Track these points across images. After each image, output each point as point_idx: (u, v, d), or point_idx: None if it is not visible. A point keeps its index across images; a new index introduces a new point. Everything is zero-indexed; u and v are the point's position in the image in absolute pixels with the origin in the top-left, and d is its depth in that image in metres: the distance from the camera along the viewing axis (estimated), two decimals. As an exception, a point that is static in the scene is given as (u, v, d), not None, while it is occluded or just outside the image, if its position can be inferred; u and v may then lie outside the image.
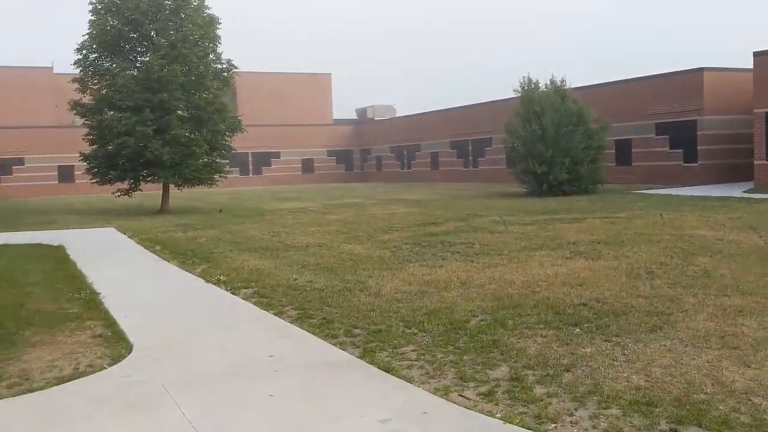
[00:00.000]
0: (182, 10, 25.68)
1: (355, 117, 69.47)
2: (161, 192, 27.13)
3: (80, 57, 25.24)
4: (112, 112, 24.68)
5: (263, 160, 59.14)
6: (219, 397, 5.01)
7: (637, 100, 34.24)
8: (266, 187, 53.89)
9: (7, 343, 6.79)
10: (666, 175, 32.70)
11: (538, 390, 5.13)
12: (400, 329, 7.15)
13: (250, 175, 58.25)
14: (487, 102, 45.15)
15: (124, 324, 7.52)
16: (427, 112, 54.24)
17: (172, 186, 26.78)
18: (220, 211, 25.98)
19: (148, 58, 24.85)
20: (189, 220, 22.25)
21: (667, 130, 33.09)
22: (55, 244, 16.17)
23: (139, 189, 27.28)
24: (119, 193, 27.12)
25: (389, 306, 8.29)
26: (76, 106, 25.60)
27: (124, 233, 18.81)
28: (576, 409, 4.78)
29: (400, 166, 57.14)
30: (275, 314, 8.10)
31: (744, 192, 25.51)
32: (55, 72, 55.61)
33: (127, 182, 26.73)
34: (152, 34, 25.49)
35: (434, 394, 5.11)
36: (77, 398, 4.99)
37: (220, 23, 26.28)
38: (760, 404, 4.73)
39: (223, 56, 27.32)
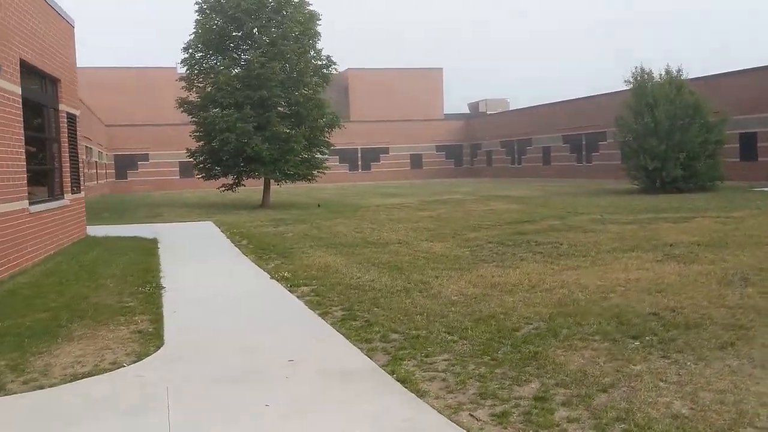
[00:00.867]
0: (284, 8, 26.06)
1: (468, 111, 68.68)
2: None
3: (186, 56, 26.19)
4: (215, 110, 25.42)
5: (372, 155, 59.53)
6: (213, 403, 4.77)
7: (762, 90, 31.48)
8: (374, 182, 54.23)
9: (50, 335, 6.90)
10: (798, 171, 29.91)
11: (560, 413, 4.53)
12: (441, 335, 6.68)
13: (359, 170, 58.80)
14: (602, 94, 43.14)
15: (168, 320, 7.49)
16: (539, 105, 52.60)
17: (274, 181, 27.29)
18: (318, 206, 26.20)
19: (249, 56, 25.39)
20: (285, 215, 22.53)
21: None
22: (151, 237, 16.75)
23: (243, 184, 28.00)
24: (223, 188, 27.96)
25: (441, 309, 7.82)
26: (183, 104, 26.59)
27: (219, 227, 19.26)
28: (594, 440, 4.17)
29: (511, 161, 55.80)
30: (321, 314, 7.82)
31: None
32: (178, 72, 58.51)
33: (230, 177, 27.50)
34: (254, 32, 26.03)
35: (443, 412, 4.63)
36: (73, 399, 4.90)
37: (320, 19, 26.47)
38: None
39: (326, 52, 27.57)
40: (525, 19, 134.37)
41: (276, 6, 25.87)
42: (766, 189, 25.66)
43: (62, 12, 16.02)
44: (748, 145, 32.57)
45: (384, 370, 5.57)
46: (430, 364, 5.78)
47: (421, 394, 5.01)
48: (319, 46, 26.87)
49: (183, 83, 26.82)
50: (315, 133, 26.19)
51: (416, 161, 60.70)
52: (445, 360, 5.88)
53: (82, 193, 17.55)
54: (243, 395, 4.93)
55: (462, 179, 55.34)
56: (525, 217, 19.14)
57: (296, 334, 6.91)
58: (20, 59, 12.36)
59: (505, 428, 4.33)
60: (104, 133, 48.56)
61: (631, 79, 28.15)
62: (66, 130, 15.75)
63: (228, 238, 16.67)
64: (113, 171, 52.62)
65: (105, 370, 5.71)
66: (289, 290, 9.45)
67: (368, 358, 5.92)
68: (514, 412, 4.59)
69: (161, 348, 6.40)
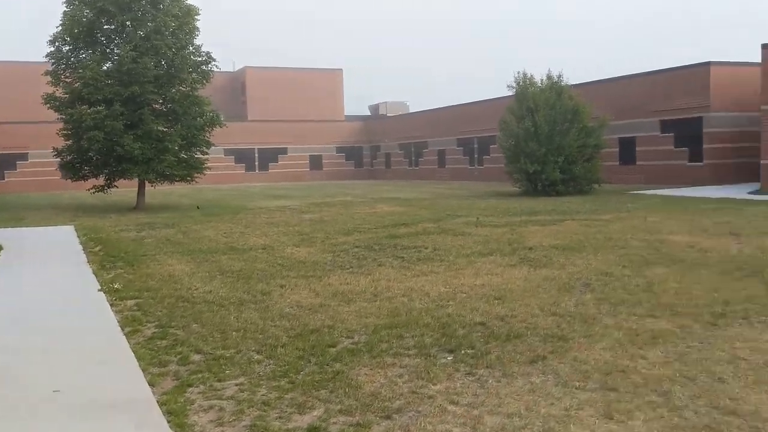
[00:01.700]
0: (161, 1, 24.84)
1: (369, 113, 68.54)
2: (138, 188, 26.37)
3: (53, 50, 24.54)
4: (83, 107, 23.91)
5: (269, 156, 58.34)
6: None
7: (641, 96, 32.72)
8: (270, 183, 53.12)
9: None
10: (671, 174, 31.19)
11: (327, 448, 4.07)
12: (248, 355, 6.12)
13: (256, 171, 57.51)
14: (493, 98, 43.82)
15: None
16: (435, 109, 53.00)
17: (149, 182, 25.95)
18: (198, 208, 25.13)
19: (121, 51, 24.00)
20: (156, 219, 21.39)
21: (672, 127, 31.54)
22: (-3, 243, 15.40)
23: (115, 185, 26.52)
24: (94, 190, 26.39)
25: (265, 324, 7.27)
26: (50, 100, 24.90)
27: (78, 232, 18.00)
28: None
29: (408, 164, 56.00)
30: (129, 332, 7.11)
31: (749, 193, 24.03)
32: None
33: (101, 178, 26.00)
34: (127, 25, 24.67)
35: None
36: None
37: (199, 14, 25.37)
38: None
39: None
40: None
41: (151, -1, 24.60)
42: (642, 192, 26.54)
43: None
44: (627, 149, 33.76)
45: (160, 400, 4.95)
46: (219, 390, 5.21)
47: (185, 428, 4.43)
48: (197, 41, 25.74)
49: (49, 78, 25.08)
50: (193, 132, 25.04)
51: (315, 162, 59.96)
52: (237, 385, 5.33)
53: None
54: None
55: (361, 181, 55.03)
56: (404, 219, 18.88)
57: (82, 357, 6.17)
58: None
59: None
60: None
61: (514, 84, 28.55)
62: None
63: (81, 244, 15.53)
64: (-12, 171, 49.22)
65: None
66: (112, 304, 8.65)
67: (149, 387, 5.28)
68: (276, 448, 4.08)
69: None
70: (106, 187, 26.17)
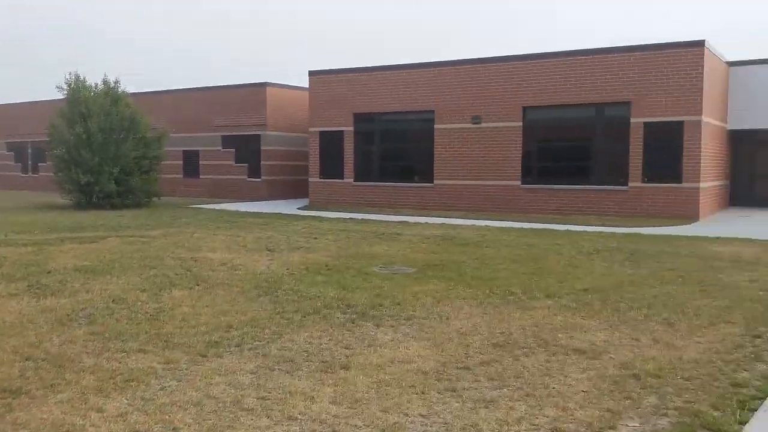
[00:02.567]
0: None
1: None
2: None
3: None
4: None
5: None
6: None
7: (203, 110, 32.96)
8: None
9: None
10: (233, 189, 32.03)
11: None
12: None
13: None
14: (49, 100, 39.73)
15: None
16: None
17: None
18: None
19: None
20: None
21: (233, 143, 32.46)
22: None
23: None
24: None
25: None
26: None
27: None
28: None
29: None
30: None
31: (298, 209, 25.73)
32: None
33: None
34: None
35: None
36: None
37: None
38: None
39: None
40: None
41: None
42: (202, 206, 26.45)
43: None
44: (191, 162, 33.66)
45: None
46: None
47: None
48: None
49: None
50: None
51: None
52: None
53: None
54: None
55: None
56: None
57: None
58: None
59: None
60: None
61: (65, 86, 26.02)
62: None
63: None
64: None
65: None
66: None
67: None
68: None
69: None
70: None
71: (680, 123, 20.66)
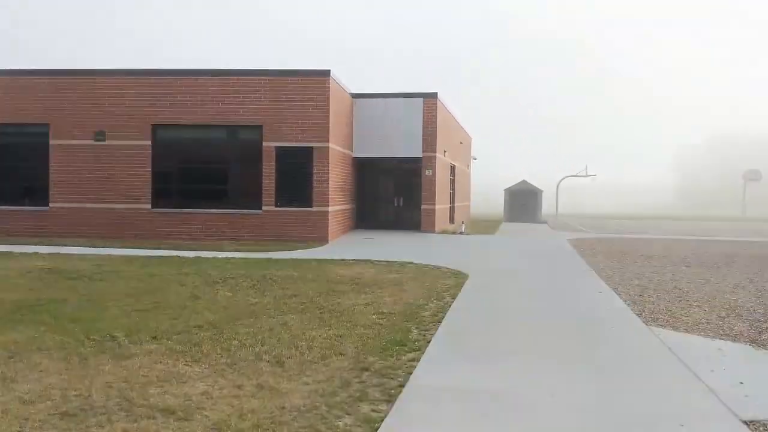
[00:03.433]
0: None
1: None
2: None
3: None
4: None
5: None
6: None
7: None
8: None
9: None
10: None
11: None
12: None
13: None
14: None
15: None
16: None
17: None
18: None
19: None
20: None
21: None
22: None
23: None
24: None
25: None
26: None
27: None
28: None
29: None
30: None
31: None
32: None
33: None
34: None
35: None
36: None
37: None
38: None
39: None
40: None
41: None
42: None
43: None
44: None
45: None
46: None
47: None
48: None
49: None
50: None
51: None
52: None
53: None
54: None
55: None
56: None
57: None
58: None
59: None
60: None
61: None
62: None
63: None
64: None
65: None
66: None
67: None
68: None
69: None
70: None
71: (310, 149, 21.20)
